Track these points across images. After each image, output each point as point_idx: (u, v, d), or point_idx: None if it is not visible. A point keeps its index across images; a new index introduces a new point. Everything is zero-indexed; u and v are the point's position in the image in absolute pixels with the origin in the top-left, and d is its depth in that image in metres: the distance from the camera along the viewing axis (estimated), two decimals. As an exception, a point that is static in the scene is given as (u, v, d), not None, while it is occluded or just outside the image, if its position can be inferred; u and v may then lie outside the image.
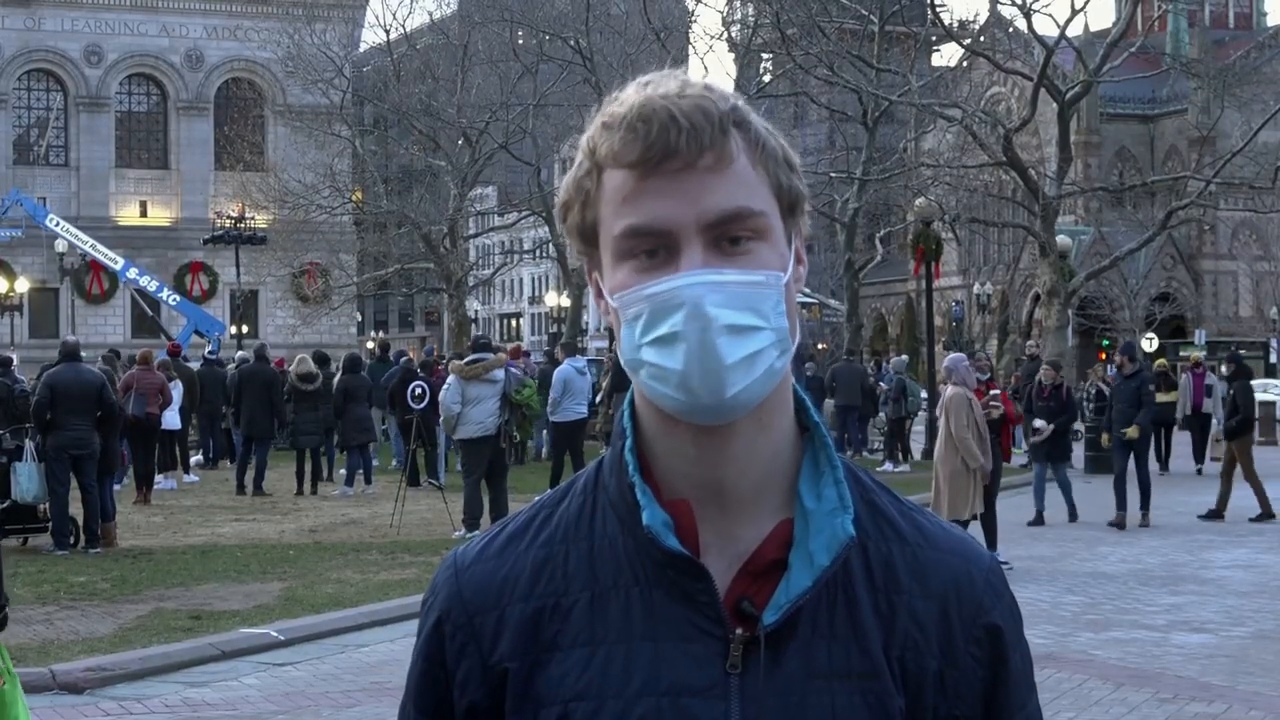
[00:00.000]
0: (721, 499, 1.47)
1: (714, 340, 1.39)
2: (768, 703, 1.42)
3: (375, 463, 23.97)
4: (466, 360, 16.55)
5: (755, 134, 1.45)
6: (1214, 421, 25.57)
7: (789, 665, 1.43)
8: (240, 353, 30.20)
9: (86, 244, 51.00)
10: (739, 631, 1.43)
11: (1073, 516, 18.68)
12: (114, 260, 51.17)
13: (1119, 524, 18.20)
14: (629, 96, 1.44)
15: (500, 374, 16.00)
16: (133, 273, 51.40)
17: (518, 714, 1.47)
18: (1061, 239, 33.50)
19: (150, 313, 53.87)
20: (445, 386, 16.30)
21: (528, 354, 31.50)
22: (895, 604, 1.47)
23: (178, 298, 53.26)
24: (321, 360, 23.15)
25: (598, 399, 25.33)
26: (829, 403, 29.23)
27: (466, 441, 16.16)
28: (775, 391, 1.46)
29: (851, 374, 29.20)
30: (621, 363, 1.48)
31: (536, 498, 1.60)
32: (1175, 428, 26.53)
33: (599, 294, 1.50)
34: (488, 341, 17.60)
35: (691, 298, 1.40)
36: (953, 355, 15.28)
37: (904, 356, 33.44)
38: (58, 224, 51.73)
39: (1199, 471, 25.76)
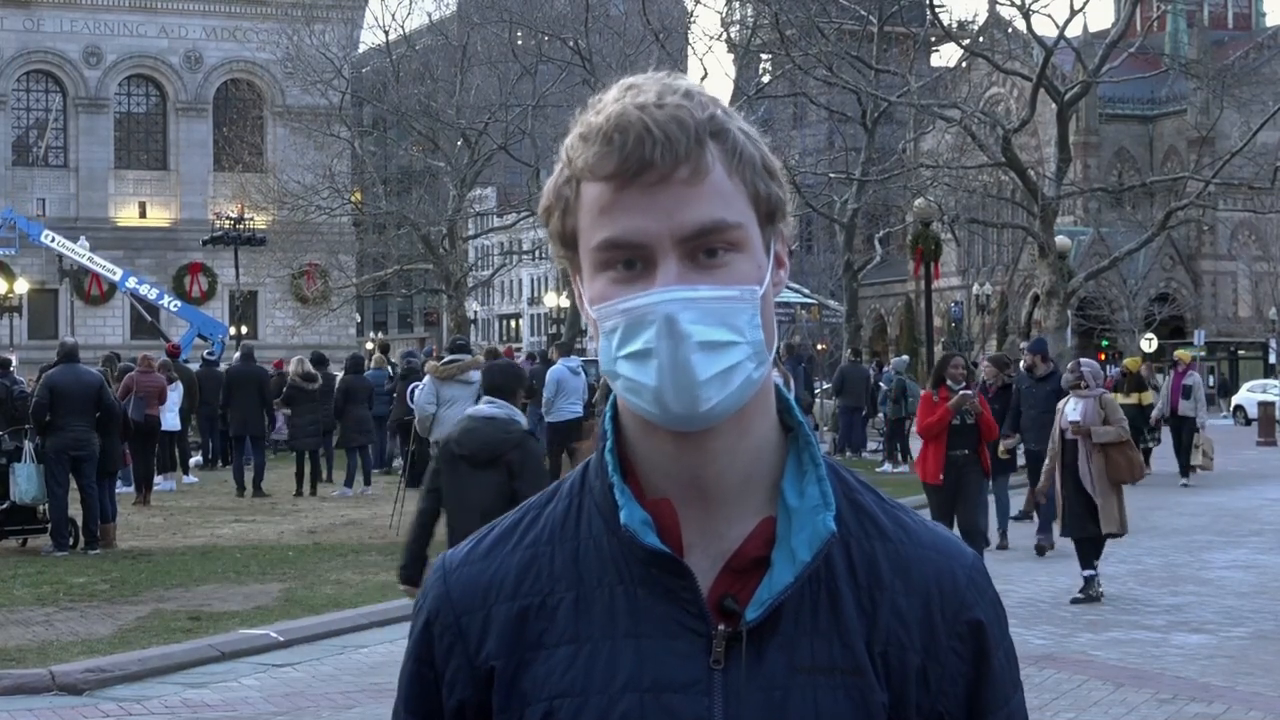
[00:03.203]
0: (703, 497, 1.48)
1: (687, 357, 1.40)
2: (751, 698, 1.43)
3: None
4: (443, 361, 16.53)
5: (733, 143, 1.45)
6: (1197, 425, 23.77)
7: (772, 661, 1.44)
8: (236, 354, 30.21)
9: (84, 257, 50.84)
10: (722, 627, 1.44)
11: (1001, 543, 15.84)
12: (112, 270, 51.00)
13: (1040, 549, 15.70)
14: (608, 105, 1.45)
15: (476, 375, 15.93)
16: (131, 282, 51.26)
17: (504, 712, 1.49)
18: (1061, 239, 33.47)
19: (149, 317, 53.80)
20: (420, 387, 16.29)
21: (532, 358, 31.40)
22: (878, 600, 1.48)
23: (179, 304, 53.12)
24: (319, 361, 23.18)
25: (594, 398, 25.28)
26: (827, 403, 29.20)
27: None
28: (755, 396, 1.47)
29: (858, 375, 29.22)
30: (601, 371, 1.49)
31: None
32: (1148, 431, 23.53)
33: (580, 298, 1.51)
34: (465, 343, 17.57)
35: (665, 314, 1.40)
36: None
37: (905, 357, 33.40)
38: (53, 239, 51.51)
39: (1184, 481, 23.45)
